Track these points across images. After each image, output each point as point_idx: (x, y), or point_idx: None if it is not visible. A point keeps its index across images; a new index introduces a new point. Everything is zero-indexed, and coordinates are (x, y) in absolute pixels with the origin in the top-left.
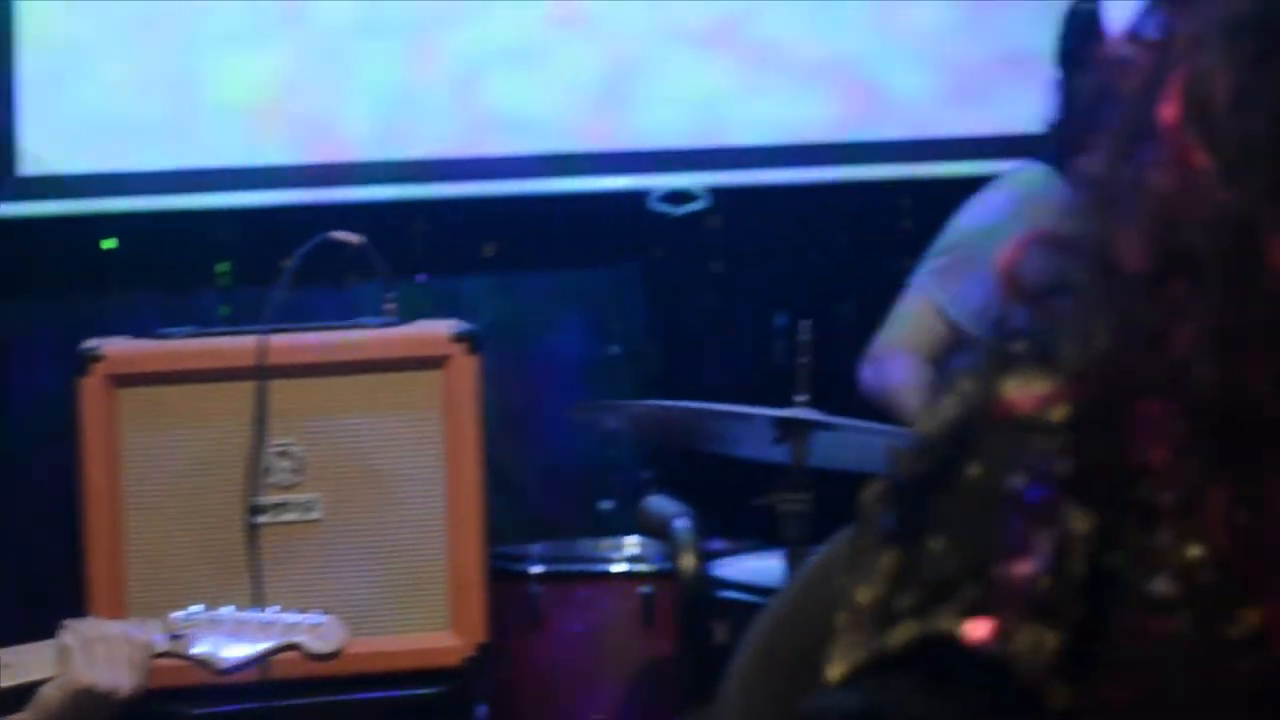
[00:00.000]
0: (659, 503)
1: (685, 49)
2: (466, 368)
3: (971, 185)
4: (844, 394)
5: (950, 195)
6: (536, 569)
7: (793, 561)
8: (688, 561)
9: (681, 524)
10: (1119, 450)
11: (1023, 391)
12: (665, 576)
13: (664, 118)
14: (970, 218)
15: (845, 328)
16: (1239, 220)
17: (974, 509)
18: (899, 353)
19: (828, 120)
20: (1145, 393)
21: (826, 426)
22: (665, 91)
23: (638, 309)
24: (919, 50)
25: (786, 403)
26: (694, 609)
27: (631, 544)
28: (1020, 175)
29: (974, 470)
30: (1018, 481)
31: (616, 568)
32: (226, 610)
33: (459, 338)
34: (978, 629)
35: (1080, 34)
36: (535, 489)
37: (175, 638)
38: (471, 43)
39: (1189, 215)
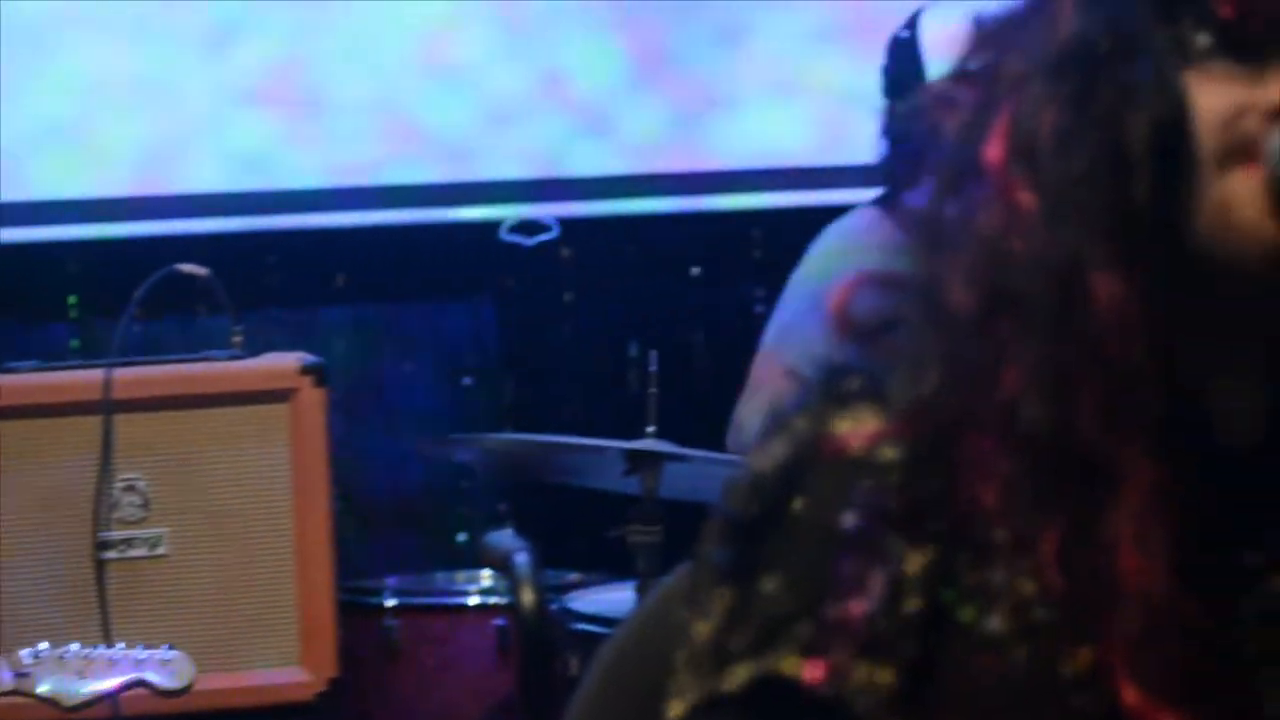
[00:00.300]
0: (500, 537)
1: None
2: (314, 400)
3: (825, 215)
4: (696, 424)
5: (801, 225)
6: (391, 602)
7: (644, 593)
8: (528, 596)
9: (521, 558)
10: (951, 488)
11: (854, 430)
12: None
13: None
14: (804, 267)
15: (697, 358)
16: (1064, 259)
17: (806, 548)
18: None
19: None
20: (975, 431)
21: (677, 458)
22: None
23: (490, 340)
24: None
25: (639, 434)
26: (534, 643)
27: (487, 577)
28: (850, 218)
29: (806, 509)
30: (849, 520)
31: (472, 600)
32: (73, 648)
33: (306, 370)
34: (812, 669)
35: (902, 63)
36: (390, 522)
37: (21, 676)
38: (318, 76)
39: (1015, 254)
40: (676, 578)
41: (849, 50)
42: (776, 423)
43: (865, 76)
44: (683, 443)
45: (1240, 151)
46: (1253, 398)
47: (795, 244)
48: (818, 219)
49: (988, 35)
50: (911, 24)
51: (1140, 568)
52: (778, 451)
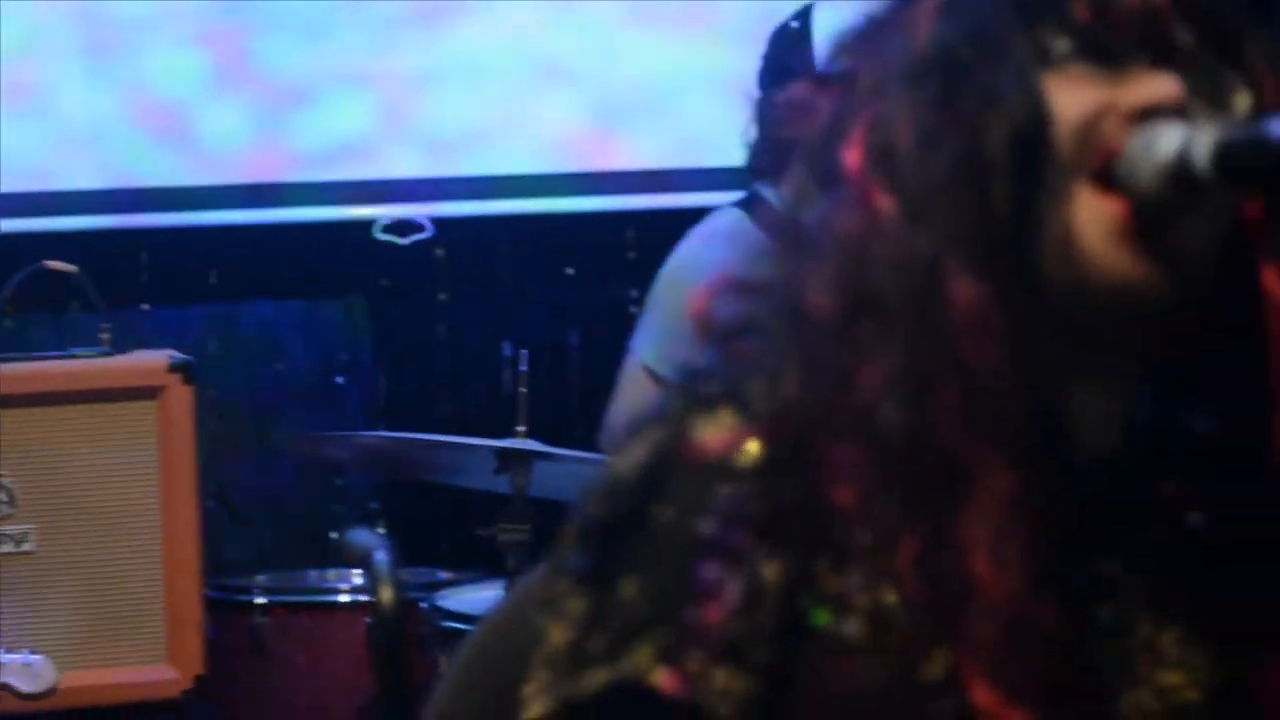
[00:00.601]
0: (359, 535)
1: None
2: (182, 398)
3: (698, 217)
4: (569, 424)
5: (677, 226)
6: (260, 599)
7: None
8: (386, 594)
9: (380, 556)
10: (810, 493)
11: (713, 434)
12: (404, 609)
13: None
14: (667, 269)
15: (572, 358)
16: (922, 263)
17: (665, 553)
18: (636, 391)
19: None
20: (834, 435)
21: (547, 457)
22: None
23: (364, 339)
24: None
25: (511, 433)
26: (392, 641)
27: (358, 575)
28: (713, 219)
29: (664, 514)
30: (708, 525)
31: (342, 598)
32: None
33: (175, 368)
34: (669, 675)
35: (786, 52)
36: (262, 520)
37: None
38: (189, 72)
39: (874, 258)
40: (534, 579)
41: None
42: (637, 427)
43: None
44: (556, 442)
45: (1098, 155)
46: (1111, 404)
47: (669, 245)
48: (692, 220)
49: (848, 40)
50: (803, 15)
51: (996, 574)
52: (638, 455)
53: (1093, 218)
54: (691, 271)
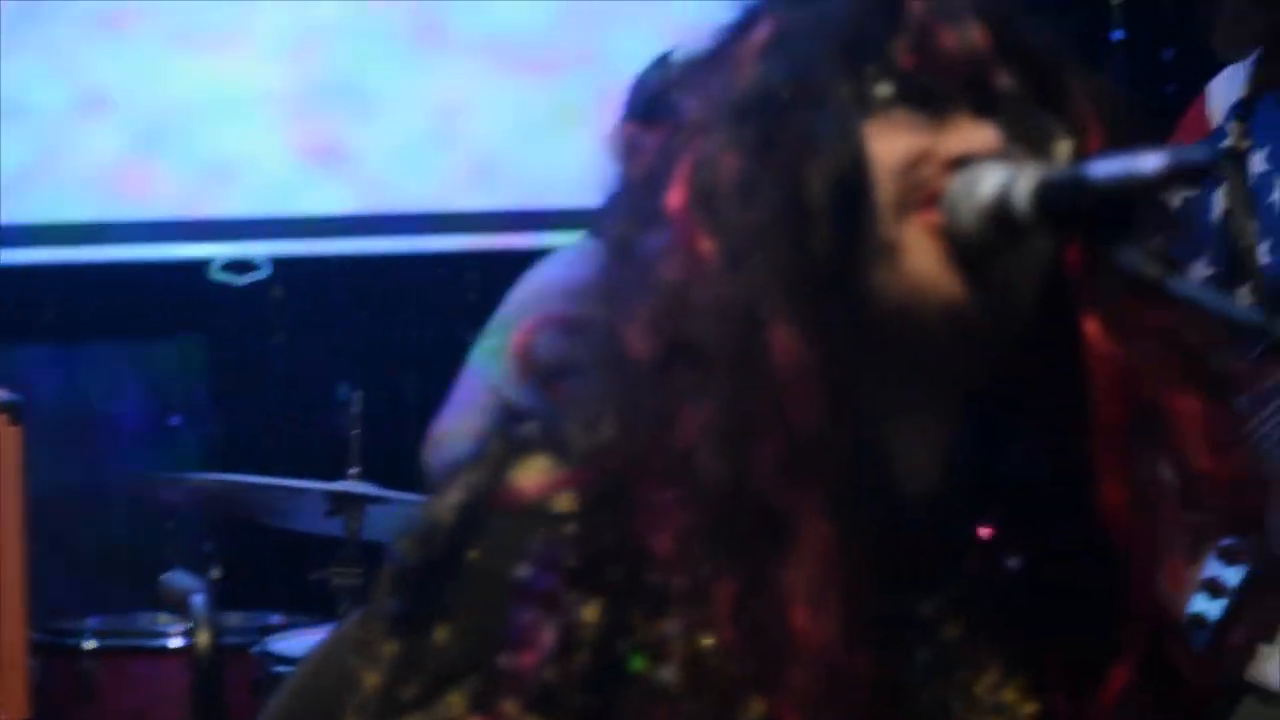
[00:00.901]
0: (178, 578)
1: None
2: (9, 439)
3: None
4: (406, 467)
5: (517, 268)
6: (89, 643)
7: None
8: (203, 638)
9: (198, 599)
10: (627, 538)
11: (529, 478)
12: (221, 652)
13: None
14: (516, 294)
15: (410, 400)
16: (743, 308)
17: (480, 599)
18: (458, 437)
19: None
20: (651, 480)
21: (380, 500)
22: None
23: (199, 380)
24: None
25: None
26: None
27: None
28: (551, 260)
29: (479, 558)
30: (523, 570)
31: (172, 643)
32: None
33: (2, 407)
34: None
35: (647, 99)
36: (94, 562)
37: None
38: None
39: (694, 302)
40: (350, 622)
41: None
42: (453, 469)
43: None
44: (392, 485)
45: (918, 199)
46: (932, 445)
47: (510, 287)
48: (533, 262)
49: (673, 81)
50: (663, 61)
51: (813, 620)
52: (453, 499)
53: (920, 242)
54: (524, 310)
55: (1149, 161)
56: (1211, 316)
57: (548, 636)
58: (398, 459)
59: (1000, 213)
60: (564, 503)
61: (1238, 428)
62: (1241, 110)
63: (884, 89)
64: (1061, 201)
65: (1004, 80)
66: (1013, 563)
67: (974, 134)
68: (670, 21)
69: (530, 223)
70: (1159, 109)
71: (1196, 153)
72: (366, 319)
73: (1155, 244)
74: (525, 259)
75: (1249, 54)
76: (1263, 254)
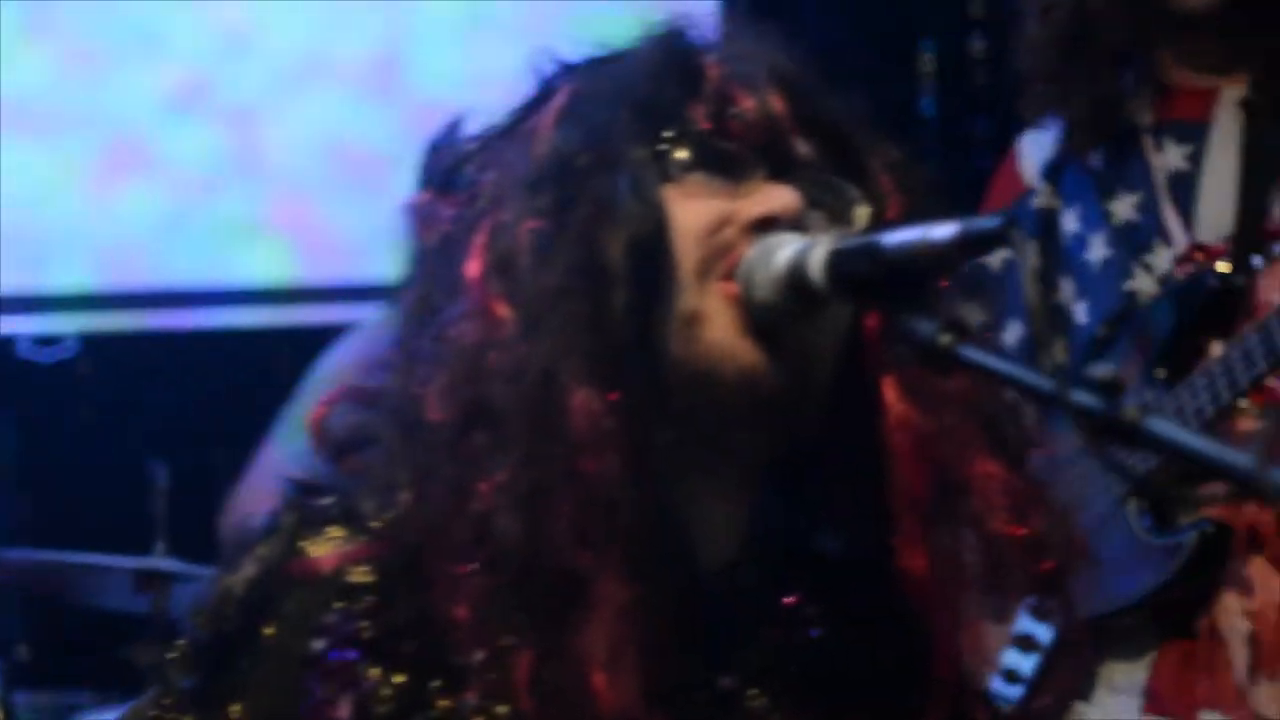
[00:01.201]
0: None
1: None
2: None
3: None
4: (215, 542)
5: (328, 343)
6: None
7: None
8: None
9: None
10: (425, 609)
11: (324, 550)
12: None
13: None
14: (319, 367)
15: (219, 475)
16: (540, 372)
17: (275, 674)
18: (255, 510)
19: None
20: (448, 549)
21: (185, 577)
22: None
23: (6, 456)
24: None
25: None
26: None
27: None
28: (359, 330)
29: (274, 633)
30: (318, 644)
31: None
32: None
33: None
34: None
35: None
36: None
37: None
38: None
39: (491, 367)
40: (145, 700)
41: None
42: (246, 542)
43: None
44: (200, 561)
45: (720, 266)
46: (730, 514)
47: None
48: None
49: (471, 150)
50: (454, 127)
51: (611, 686)
52: (247, 573)
53: (719, 311)
54: (347, 368)
55: (941, 230)
56: (1005, 382)
57: (344, 711)
58: (206, 534)
59: (796, 282)
60: (360, 574)
61: (1035, 492)
62: (1050, 173)
63: (682, 153)
64: (854, 270)
65: (802, 148)
66: (815, 632)
67: (773, 196)
68: None
69: (342, 296)
70: (969, 180)
71: (988, 222)
72: (174, 395)
73: (950, 311)
74: (334, 332)
75: (1051, 119)
76: (1081, 313)
